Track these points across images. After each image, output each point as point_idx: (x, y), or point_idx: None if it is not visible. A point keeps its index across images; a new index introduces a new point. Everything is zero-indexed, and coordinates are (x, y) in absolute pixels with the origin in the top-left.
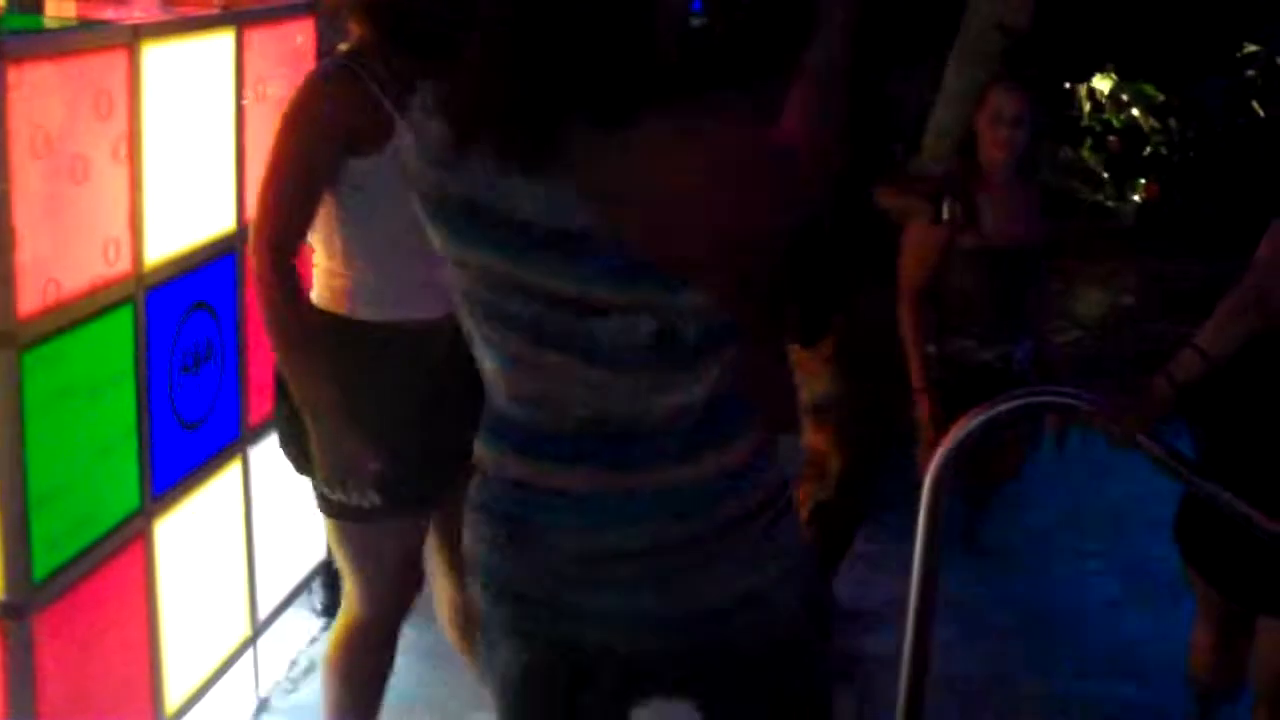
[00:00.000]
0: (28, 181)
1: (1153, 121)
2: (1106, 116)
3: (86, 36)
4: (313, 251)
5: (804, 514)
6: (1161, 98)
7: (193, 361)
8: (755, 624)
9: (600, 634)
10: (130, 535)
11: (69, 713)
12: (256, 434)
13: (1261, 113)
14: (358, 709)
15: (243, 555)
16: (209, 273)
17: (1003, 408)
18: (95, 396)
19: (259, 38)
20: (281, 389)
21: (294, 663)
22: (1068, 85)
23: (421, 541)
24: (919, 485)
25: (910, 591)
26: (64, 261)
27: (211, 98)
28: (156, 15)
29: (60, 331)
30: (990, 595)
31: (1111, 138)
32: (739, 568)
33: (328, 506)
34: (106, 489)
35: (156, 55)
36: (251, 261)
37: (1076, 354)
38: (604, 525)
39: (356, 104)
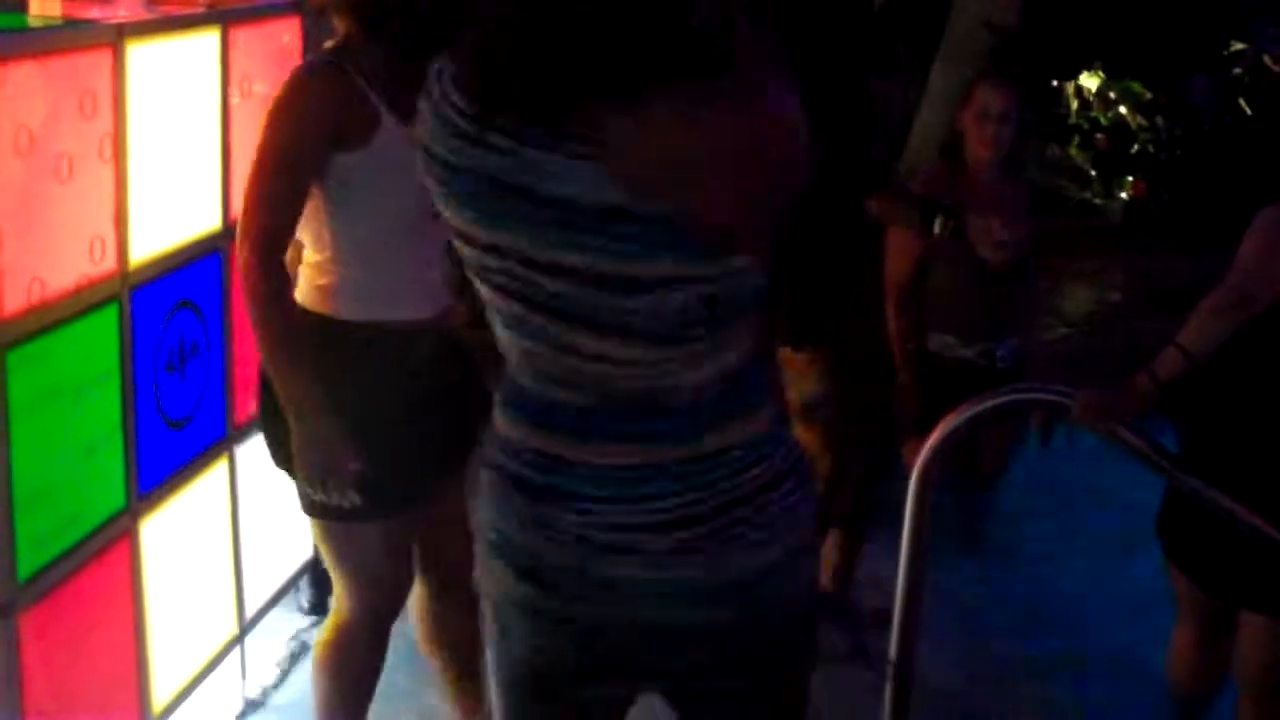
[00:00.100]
0: (12, 180)
1: (1140, 119)
2: (1094, 114)
3: (71, 35)
4: (299, 249)
5: None
6: (1149, 96)
7: (178, 360)
8: (776, 596)
9: (625, 609)
10: (116, 534)
11: (55, 712)
12: (242, 432)
13: (1248, 111)
14: (347, 708)
15: (229, 554)
16: (194, 271)
17: (988, 404)
18: (80, 395)
19: (244, 36)
20: (265, 387)
21: (281, 661)
22: (1055, 83)
23: (410, 541)
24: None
25: (898, 586)
26: (49, 260)
27: (197, 96)
28: (141, 14)
29: (45, 330)
30: (990, 595)
31: (1099, 135)
32: (763, 538)
33: (310, 506)
34: (92, 488)
35: (141, 54)
36: (238, 258)
37: (1064, 351)
38: (634, 498)
39: (342, 98)
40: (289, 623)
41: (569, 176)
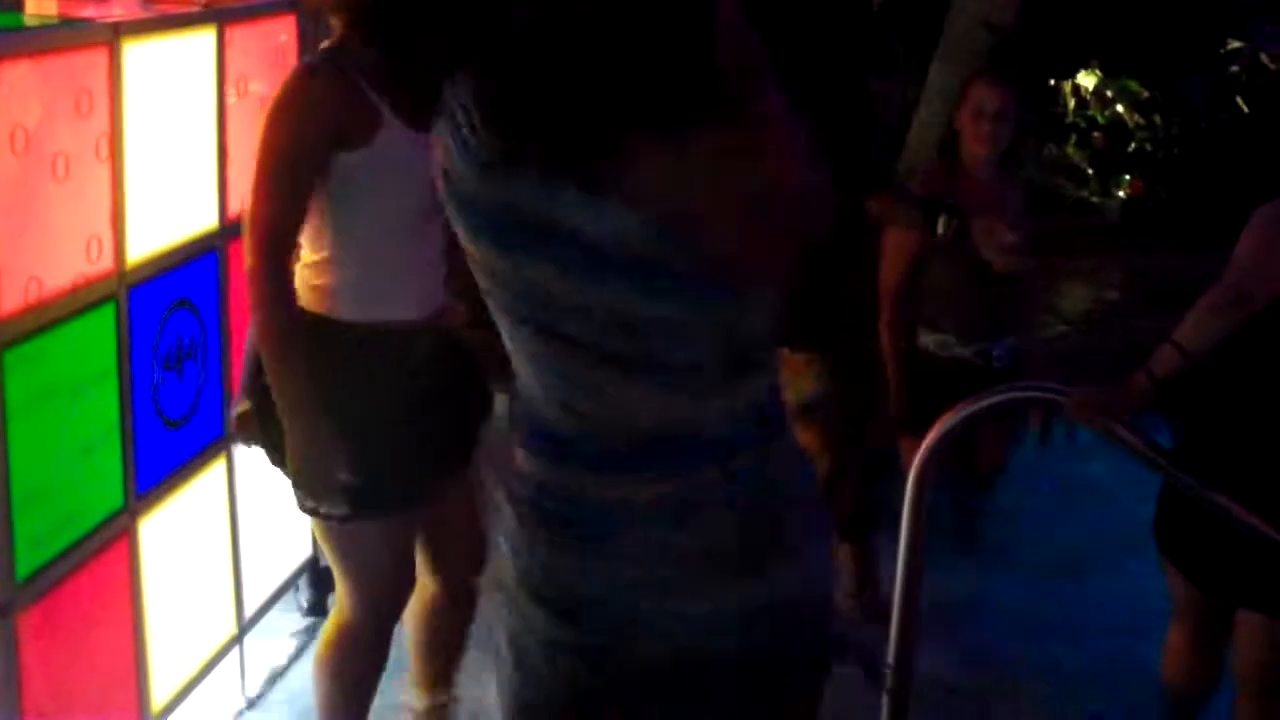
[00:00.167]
0: (8, 179)
1: (1137, 118)
2: (1091, 113)
3: (67, 34)
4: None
5: None
6: (1146, 94)
7: (176, 359)
8: (799, 620)
9: (657, 644)
10: (114, 534)
11: (54, 712)
12: None
13: (1245, 109)
14: (349, 709)
15: (228, 553)
16: (191, 270)
17: (985, 403)
18: (78, 395)
19: (241, 35)
20: (263, 388)
21: (279, 661)
22: (1052, 82)
23: (411, 541)
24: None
25: (896, 583)
26: (46, 259)
27: (193, 95)
28: (137, 13)
29: (42, 329)
30: (987, 594)
31: (1096, 134)
32: (793, 564)
33: (306, 508)
34: (90, 487)
35: (138, 53)
36: (246, 259)
37: (1061, 349)
38: (664, 532)
39: (343, 98)
40: (288, 622)
41: (598, 214)
